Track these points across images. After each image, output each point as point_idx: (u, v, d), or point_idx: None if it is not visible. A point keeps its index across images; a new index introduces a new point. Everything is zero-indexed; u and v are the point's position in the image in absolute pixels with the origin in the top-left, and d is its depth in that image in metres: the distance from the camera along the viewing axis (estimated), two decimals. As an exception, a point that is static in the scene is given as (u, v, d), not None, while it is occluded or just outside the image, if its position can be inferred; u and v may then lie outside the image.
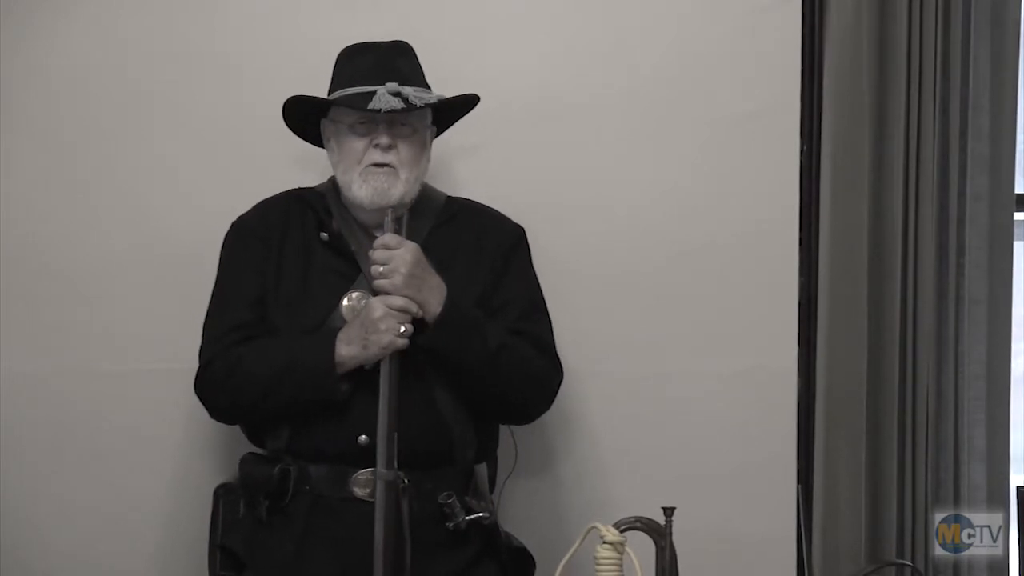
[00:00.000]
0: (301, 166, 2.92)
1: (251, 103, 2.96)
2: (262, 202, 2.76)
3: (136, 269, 3.06)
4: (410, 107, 2.60)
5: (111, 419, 3.04)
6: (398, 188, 2.63)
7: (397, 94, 2.60)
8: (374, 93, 2.59)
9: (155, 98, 3.07)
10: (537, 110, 3.10)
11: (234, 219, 2.75)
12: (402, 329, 2.50)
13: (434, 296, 2.54)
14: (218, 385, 2.62)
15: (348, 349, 2.53)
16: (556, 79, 3.10)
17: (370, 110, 2.59)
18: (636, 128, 3.11)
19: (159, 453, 3.04)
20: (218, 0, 3.11)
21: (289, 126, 2.76)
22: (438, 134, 2.79)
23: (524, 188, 3.05)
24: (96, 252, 3.07)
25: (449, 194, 2.83)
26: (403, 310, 2.51)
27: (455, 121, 2.80)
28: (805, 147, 3.19)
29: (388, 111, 2.59)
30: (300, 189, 2.78)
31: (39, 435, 3.04)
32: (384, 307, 2.51)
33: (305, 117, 2.73)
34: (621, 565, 2.25)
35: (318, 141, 2.75)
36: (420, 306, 2.53)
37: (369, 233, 2.65)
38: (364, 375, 2.55)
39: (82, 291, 3.06)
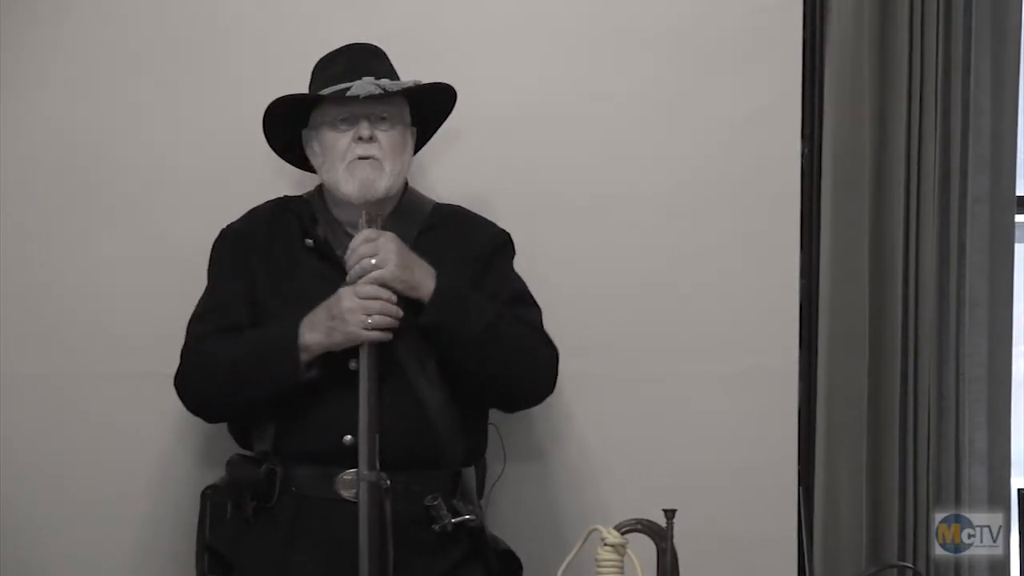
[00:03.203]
0: (299, 171, 2.91)
1: (251, 106, 2.93)
2: (249, 211, 2.79)
3: (136, 271, 3.06)
4: (387, 92, 2.63)
5: (110, 421, 3.03)
6: (384, 180, 2.65)
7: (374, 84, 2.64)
8: (351, 88, 2.63)
9: (155, 100, 3.07)
10: (536, 111, 3.09)
11: (224, 227, 2.77)
12: (369, 320, 2.50)
13: (426, 276, 2.56)
14: (191, 376, 2.64)
15: (312, 335, 2.53)
16: (555, 79, 3.10)
17: (350, 96, 2.61)
18: (636, 129, 3.11)
19: (159, 455, 3.04)
20: (217, 3, 3.11)
21: (272, 146, 2.79)
22: (423, 139, 2.81)
23: (523, 189, 3.06)
24: (96, 254, 3.07)
25: (440, 200, 2.83)
26: (373, 298, 2.51)
27: (438, 122, 2.82)
28: (806, 149, 3.19)
29: (366, 96, 2.61)
30: (286, 197, 2.80)
31: (38, 435, 3.04)
32: (354, 298, 2.51)
33: (285, 131, 2.75)
34: (622, 567, 2.25)
35: (300, 162, 2.78)
36: (414, 287, 2.55)
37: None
38: (349, 374, 2.55)
39: (82, 292, 3.07)
